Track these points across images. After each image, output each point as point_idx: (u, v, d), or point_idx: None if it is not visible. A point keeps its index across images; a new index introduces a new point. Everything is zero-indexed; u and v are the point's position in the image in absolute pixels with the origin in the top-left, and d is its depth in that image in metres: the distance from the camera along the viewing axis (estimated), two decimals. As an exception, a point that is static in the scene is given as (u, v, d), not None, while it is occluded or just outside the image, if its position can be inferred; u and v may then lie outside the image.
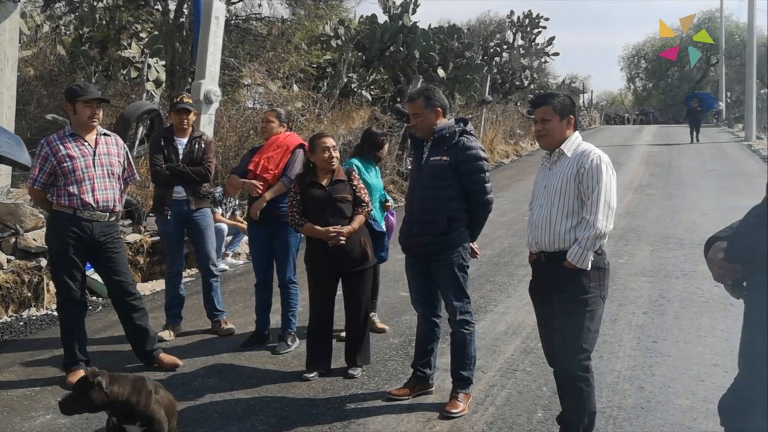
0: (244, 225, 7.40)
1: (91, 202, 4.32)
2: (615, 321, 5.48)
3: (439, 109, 3.97)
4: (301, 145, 5.06)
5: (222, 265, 7.59)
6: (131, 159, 4.75)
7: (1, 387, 4.36)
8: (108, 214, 4.41)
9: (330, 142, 4.46)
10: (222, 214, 8.04)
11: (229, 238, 8.09)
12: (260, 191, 4.93)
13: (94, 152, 4.40)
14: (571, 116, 3.34)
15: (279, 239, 4.99)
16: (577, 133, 3.38)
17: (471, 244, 4.01)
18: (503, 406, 3.95)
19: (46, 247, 6.47)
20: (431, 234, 3.88)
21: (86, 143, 4.39)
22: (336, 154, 4.45)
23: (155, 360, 4.63)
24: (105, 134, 4.54)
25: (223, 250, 7.85)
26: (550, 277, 3.31)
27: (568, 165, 3.29)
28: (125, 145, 4.73)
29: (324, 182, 4.43)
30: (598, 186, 3.18)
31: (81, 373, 4.26)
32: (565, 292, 3.23)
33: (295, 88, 14.20)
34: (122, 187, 4.58)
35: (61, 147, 4.34)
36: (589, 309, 3.20)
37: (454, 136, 3.91)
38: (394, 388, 4.15)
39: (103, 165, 4.40)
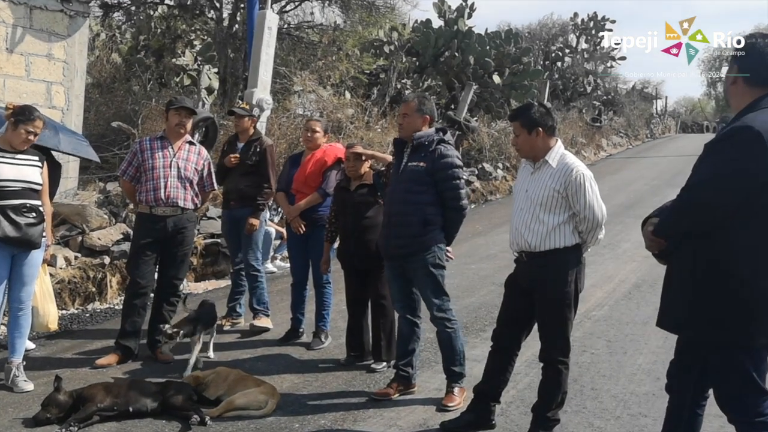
0: (284, 230, 8.13)
1: (162, 197, 5.18)
2: (646, 323, 6.06)
3: (428, 117, 4.43)
4: (340, 159, 5.63)
5: (271, 267, 8.44)
6: (212, 171, 5.56)
7: (63, 365, 5.16)
8: (179, 209, 5.23)
9: (355, 151, 5.13)
10: (270, 219, 8.88)
11: (278, 242, 8.91)
12: (303, 229, 5.57)
13: (174, 155, 5.26)
14: (539, 128, 3.73)
15: (314, 241, 5.60)
16: (559, 142, 3.84)
17: (446, 247, 4.45)
18: (524, 390, 4.61)
19: (109, 245, 7.49)
20: (407, 236, 4.31)
21: (170, 147, 5.28)
22: (359, 164, 5.11)
23: (156, 350, 5.29)
24: (191, 143, 5.43)
25: (272, 253, 8.69)
26: (533, 274, 3.77)
27: (552, 176, 3.70)
28: (208, 157, 5.53)
29: (352, 187, 5.17)
30: (586, 201, 3.65)
31: (113, 358, 5.14)
32: (548, 287, 3.71)
33: (347, 95, 14.93)
34: (196, 191, 5.37)
35: (148, 146, 5.27)
36: (568, 301, 3.71)
37: (432, 144, 4.34)
38: (378, 389, 4.60)
39: (179, 168, 5.25)
